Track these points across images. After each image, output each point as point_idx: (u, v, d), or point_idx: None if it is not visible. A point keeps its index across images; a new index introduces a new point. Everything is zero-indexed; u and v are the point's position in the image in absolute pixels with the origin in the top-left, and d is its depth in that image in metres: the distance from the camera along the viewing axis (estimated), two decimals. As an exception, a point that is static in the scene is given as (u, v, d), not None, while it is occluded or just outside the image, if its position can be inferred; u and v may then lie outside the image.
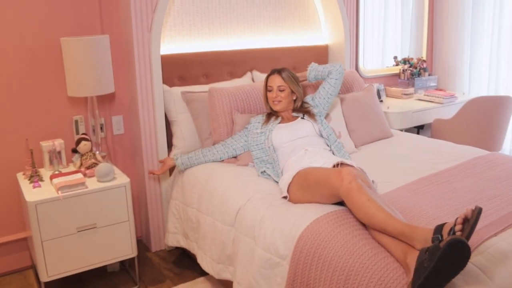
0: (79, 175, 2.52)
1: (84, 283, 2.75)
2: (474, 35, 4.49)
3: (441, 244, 1.43)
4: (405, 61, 4.49)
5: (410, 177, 2.42)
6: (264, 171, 2.53)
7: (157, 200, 3.04)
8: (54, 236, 2.38)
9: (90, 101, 2.79)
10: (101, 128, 2.96)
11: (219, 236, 2.36)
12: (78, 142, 2.68)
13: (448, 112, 4.00)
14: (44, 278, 2.40)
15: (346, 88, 3.37)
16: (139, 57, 2.83)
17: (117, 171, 2.70)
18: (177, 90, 2.97)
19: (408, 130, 4.01)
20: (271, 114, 2.72)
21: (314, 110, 2.74)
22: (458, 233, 1.48)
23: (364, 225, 1.86)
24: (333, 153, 2.57)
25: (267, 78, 2.72)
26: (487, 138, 3.67)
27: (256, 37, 3.50)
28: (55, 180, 2.46)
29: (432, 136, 3.82)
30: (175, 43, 3.15)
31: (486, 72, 4.48)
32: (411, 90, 4.32)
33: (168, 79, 3.03)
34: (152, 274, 2.84)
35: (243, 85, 3.02)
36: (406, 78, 4.44)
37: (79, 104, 2.90)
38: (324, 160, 2.32)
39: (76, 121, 2.90)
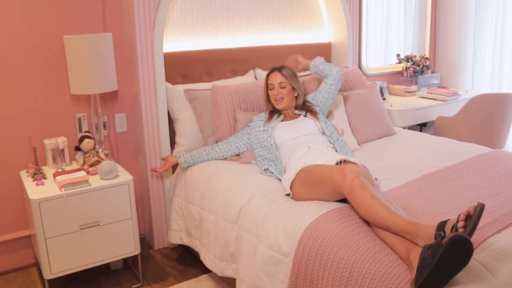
0: (82, 173, 2.53)
1: (87, 281, 2.76)
2: (477, 32, 4.47)
3: (443, 241, 1.43)
4: (408, 58, 4.48)
5: (413, 174, 2.42)
6: (267, 169, 2.53)
7: (160, 198, 3.05)
8: (58, 234, 2.39)
9: (93, 99, 2.79)
10: (104, 126, 2.97)
11: (222, 233, 2.36)
12: (81, 140, 2.68)
13: (451, 109, 3.99)
14: (48, 276, 2.41)
15: (349, 85, 3.37)
16: (142, 55, 2.84)
17: (120, 168, 2.70)
18: (180, 88, 2.97)
19: (411, 127, 4.01)
20: (274, 112, 2.72)
21: (317, 108, 2.74)
22: (461, 230, 1.48)
23: (367, 222, 1.86)
24: (336, 151, 2.56)
25: (267, 76, 2.72)
26: (490, 136, 3.66)
27: (259, 35, 3.50)
28: (58, 178, 2.46)
29: (435, 134, 3.81)
30: (178, 41, 3.15)
31: (489, 70, 4.47)
32: (414, 87, 4.31)
33: (171, 77, 3.03)
34: (155, 271, 2.84)
35: (245, 83, 3.01)
36: (409, 76, 4.43)
37: (82, 102, 2.91)
38: (327, 157, 2.32)
39: (79, 119, 2.90)
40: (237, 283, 2.22)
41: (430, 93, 4.19)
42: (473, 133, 3.63)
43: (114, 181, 2.52)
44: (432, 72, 4.59)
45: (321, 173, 2.07)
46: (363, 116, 3.13)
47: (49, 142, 2.70)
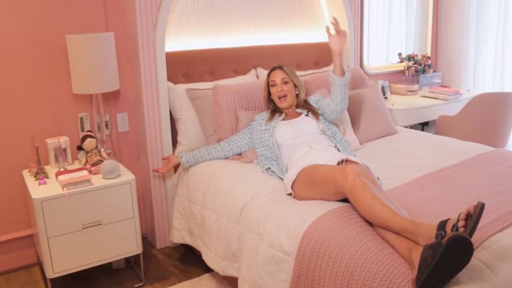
0: (85, 172, 2.53)
1: (90, 280, 2.76)
2: (479, 31, 4.47)
3: (443, 241, 1.43)
4: (409, 57, 4.48)
5: (415, 173, 2.42)
6: (269, 168, 2.53)
7: (162, 197, 3.05)
8: (60, 233, 2.40)
9: (95, 98, 2.80)
10: (106, 125, 2.97)
11: (224, 232, 2.36)
12: (83, 139, 2.69)
13: (453, 108, 3.99)
14: (50, 275, 2.42)
15: (350, 85, 3.37)
16: (144, 55, 2.84)
17: (122, 168, 2.71)
18: (182, 87, 2.97)
19: (412, 127, 4.01)
20: (275, 111, 2.72)
21: (319, 111, 2.71)
22: (461, 229, 1.48)
23: (368, 221, 1.86)
24: (338, 150, 2.56)
25: (268, 75, 2.73)
26: (492, 135, 3.66)
27: (261, 34, 3.50)
28: (61, 177, 2.47)
29: (436, 133, 3.81)
30: (179, 40, 3.15)
31: (491, 69, 4.46)
32: (415, 87, 4.31)
33: (173, 77, 3.04)
34: (157, 271, 2.85)
35: (247, 82, 3.02)
36: (410, 75, 4.43)
37: (84, 101, 2.91)
38: (328, 157, 2.32)
39: (81, 118, 2.91)
40: (239, 282, 2.23)
41: (432, 92, 4.18)
42: (475, 132, 3.62)
43: (116, 181, 2.52)
44: (434, 71, 4.59)
45: (322, 173, 2.07)
46: (365, 115, 3.13)
47: (51, 142, 2.71)
